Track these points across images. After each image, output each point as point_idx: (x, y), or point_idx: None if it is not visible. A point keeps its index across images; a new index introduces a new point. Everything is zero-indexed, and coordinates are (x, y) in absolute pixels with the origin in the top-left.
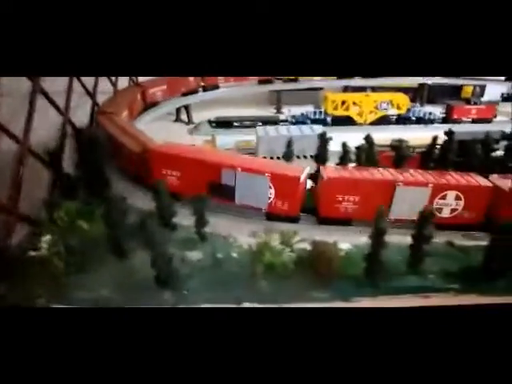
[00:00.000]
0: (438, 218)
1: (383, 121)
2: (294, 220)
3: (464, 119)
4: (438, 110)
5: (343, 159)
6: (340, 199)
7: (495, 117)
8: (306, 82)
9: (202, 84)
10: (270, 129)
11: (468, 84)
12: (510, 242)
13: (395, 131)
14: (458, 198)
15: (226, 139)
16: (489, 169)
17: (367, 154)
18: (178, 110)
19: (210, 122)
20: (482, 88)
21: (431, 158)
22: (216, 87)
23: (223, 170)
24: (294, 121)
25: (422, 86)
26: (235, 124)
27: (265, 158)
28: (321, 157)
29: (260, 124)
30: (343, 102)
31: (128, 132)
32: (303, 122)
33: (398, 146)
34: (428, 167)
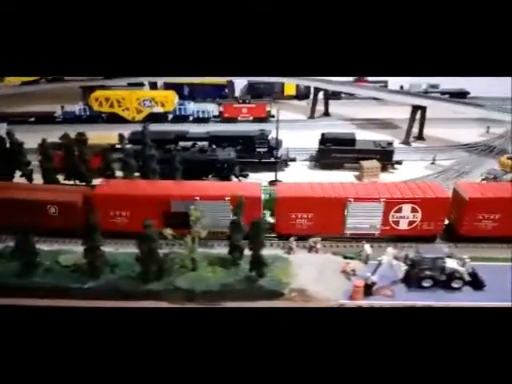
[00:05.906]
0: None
1: (158, 118)
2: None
3: (240, 118)
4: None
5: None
6: None
7: (271, 116)
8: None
9: None
10: None
11: (290, 82)
12: None
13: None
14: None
15: None
16: None
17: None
18: None
19: None
20: (307, 87)
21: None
22: None
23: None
24: (62, 117)
25: (229, 82)
26: None
27: None
28: None
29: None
30: (107, 99)
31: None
32: (72, 119)
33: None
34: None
